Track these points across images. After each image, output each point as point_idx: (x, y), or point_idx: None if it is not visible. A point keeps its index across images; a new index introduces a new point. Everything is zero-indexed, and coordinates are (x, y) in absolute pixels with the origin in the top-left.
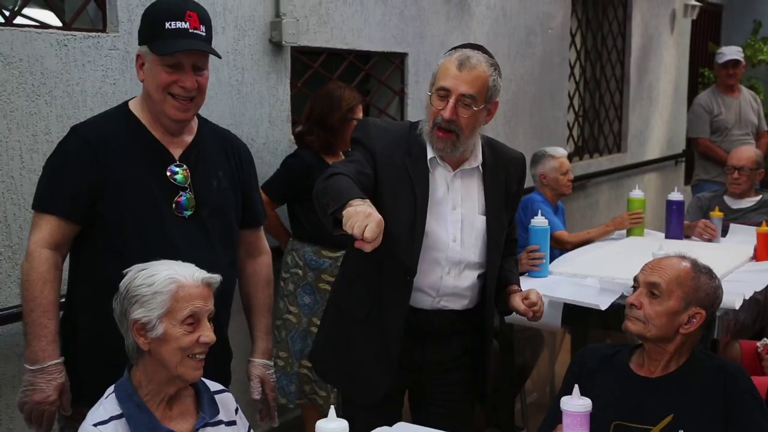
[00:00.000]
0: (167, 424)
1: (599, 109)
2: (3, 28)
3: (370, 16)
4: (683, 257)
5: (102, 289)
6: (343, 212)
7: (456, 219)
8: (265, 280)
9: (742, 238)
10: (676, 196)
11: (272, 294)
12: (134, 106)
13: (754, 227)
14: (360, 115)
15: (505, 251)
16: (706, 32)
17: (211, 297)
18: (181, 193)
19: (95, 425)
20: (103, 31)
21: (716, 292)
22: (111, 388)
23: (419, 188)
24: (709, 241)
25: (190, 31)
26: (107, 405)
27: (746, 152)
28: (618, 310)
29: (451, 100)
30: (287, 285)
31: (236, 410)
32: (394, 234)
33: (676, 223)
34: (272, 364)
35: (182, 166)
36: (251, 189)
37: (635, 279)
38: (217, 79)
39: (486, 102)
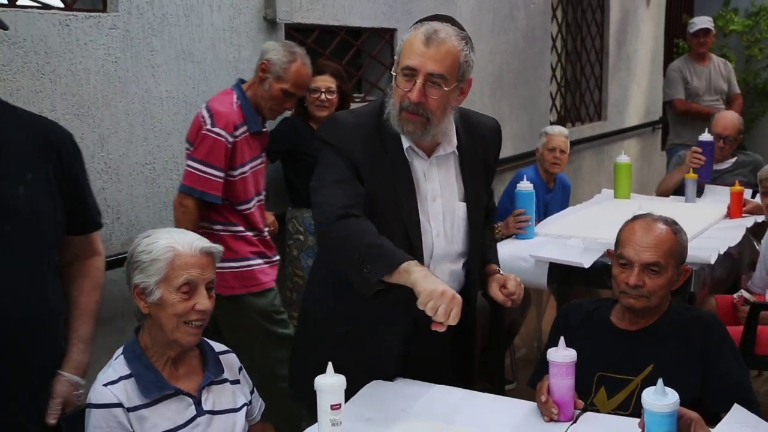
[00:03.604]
0: (174, 382)
1: (580, 79)
2: (6, 9)
3: None
4: (656, 220)
5: None
6: (421, 288)
7: (437, 211)
8: (92, 283)
9: (717, 198)
10: (706, 137)
11: (99, 300)
12: None
13: (728, 187)
14: (313, 85)
15: (484, 221)
16: (680, 4)
17: (210, 266)
18: None
19: (105, 385)
20: (104, 10)
21: (687, 242)
22: (120, 350)
23: (405, 187)
24: (698, 167)
25: None
26: (116, 366)
27: (731, 121)
28: (600, 268)
29: (419, 81)
30: (291, 251)
31: (240, 369)
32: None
33: (708, 163)
34: (83, 383)
35: None
36: (78, 188)
37: (622, 256)
38: (215, 56)
39: (458, 81)
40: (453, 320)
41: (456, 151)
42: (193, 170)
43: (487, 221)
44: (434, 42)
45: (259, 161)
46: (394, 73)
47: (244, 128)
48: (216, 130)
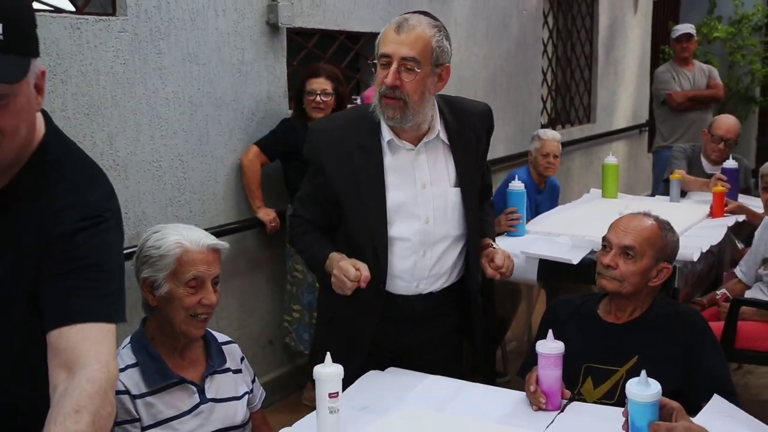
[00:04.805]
0: (178, 371)
1: (570, 83)
2: None
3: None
4: (647, 215)
5: None
6: (332, 284)
7: (426, 198)
8: (72, 404)
9: (701, 198)
10: (731, 164)
11: (86, 428)
12: None
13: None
14: (309, 87)
15: (481, 197)
16: (666, 12)
17: (216, 262)
18: None
19: None
20: (113, 14)
21: (677, 245)
22: (127, 339)
23: (372, 181)
24: (729, 190)
25: None
26: (123, 354)
27: (733, 125)
28: (588, 264)
29: (393, 65)
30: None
31: (242, 359)
32: (362, 241)
33: (734, 189)
34: None
35: None
36: (62, 266)
37: (605, 239)
38: (220, 59)
39: (432, 65)
40: (353, 283)
41: (444, 138)
42: None
43: (485, 197)
44: (404, 29)
45: None
46: (374, 68)
47: None
48: None
